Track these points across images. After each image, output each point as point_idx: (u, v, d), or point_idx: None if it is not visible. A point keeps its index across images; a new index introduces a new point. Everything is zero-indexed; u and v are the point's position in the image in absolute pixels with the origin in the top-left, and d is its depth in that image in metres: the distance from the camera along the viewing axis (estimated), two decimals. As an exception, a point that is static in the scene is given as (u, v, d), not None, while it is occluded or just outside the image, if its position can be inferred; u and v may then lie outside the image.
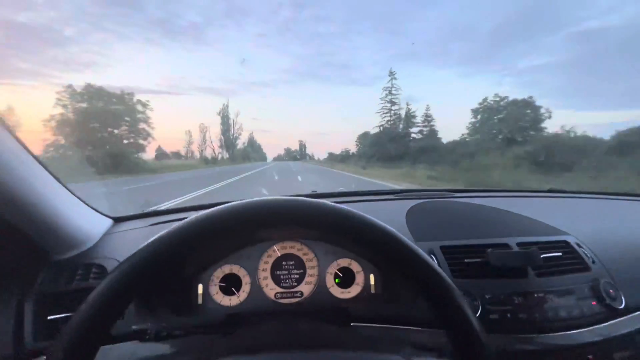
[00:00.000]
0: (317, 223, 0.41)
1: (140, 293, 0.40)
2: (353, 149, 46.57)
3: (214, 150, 55.64)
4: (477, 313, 0.64)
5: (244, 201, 0.41)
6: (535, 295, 0.65)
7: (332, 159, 56.88)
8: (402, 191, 1.22)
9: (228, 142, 60.13)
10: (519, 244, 0.73)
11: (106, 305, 0.33)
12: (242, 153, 68.84)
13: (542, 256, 0.68)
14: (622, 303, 0.68)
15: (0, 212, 0.54)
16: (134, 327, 0.52)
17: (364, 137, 43.52)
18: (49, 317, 0.58)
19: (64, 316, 0.59)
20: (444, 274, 0.40)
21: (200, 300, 0.69)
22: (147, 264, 0.36)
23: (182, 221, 0.39)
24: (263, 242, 0.74)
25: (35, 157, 0.62)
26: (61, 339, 0.31)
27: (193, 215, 0.40)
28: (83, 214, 0.74)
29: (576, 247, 0.76)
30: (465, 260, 0.69)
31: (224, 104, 60.49)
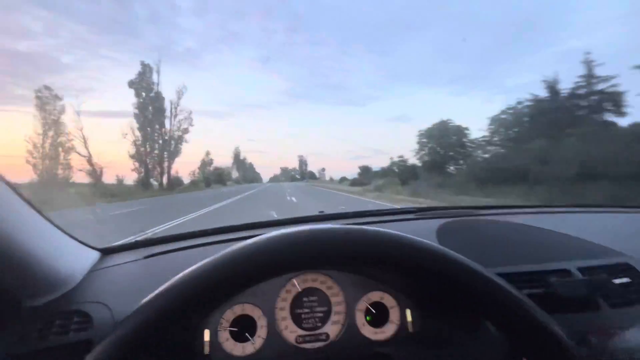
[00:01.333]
0: (381, 257, 0.31)
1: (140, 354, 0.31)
2: (410, 158, 23.39)
3: (89, 161, 20.81)
4: None
5: (280, 232, 0.31)
6: (613, 331, 0.54)
7: (373, 176, 31.12)
8: (419, 209, 1.12)
9: (154, 147, 27.27)
10: (580, 269, 0.63)
11: None
12: (209, 175, 43.15)
13: (614, 282, 0.58)
14: None
15: None
16: None
17: (443, 129, 20.55)
18: None
19: None
20: (536, 308, 0.32)
21: (207, 350, 0.57)
22: (160, 319, 0.30)
23: (207, 262, 0.32)
24: (280, 276, 0.63)
25: (5, 180, 0.51)
26: None
27: (220, 254, 0.32)
28: (64, 247, 0.63)
29: None
30: (525, 292, 0.58)
31: (141, 62, 27.38)
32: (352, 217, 1.09)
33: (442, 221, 0.89)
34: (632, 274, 0.65)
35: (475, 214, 1.01)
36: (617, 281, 0.60)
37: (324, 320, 0.62)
